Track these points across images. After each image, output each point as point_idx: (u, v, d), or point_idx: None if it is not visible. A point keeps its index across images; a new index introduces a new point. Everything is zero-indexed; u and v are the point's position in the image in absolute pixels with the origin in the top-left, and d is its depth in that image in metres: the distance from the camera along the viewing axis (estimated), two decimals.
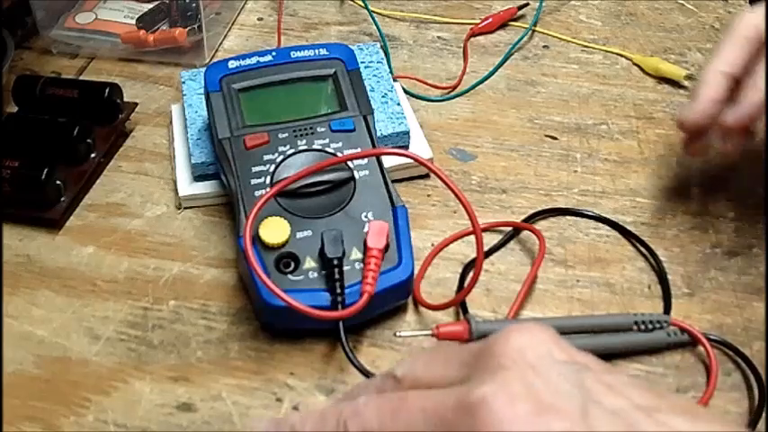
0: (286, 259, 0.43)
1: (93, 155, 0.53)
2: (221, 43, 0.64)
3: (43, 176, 0.49)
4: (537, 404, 0.28)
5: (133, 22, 0.64)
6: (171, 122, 0.55)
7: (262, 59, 0.50)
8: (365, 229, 0.43)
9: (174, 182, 0.51)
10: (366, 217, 0.44)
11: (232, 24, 0.66)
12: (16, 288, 0.46)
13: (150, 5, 0.65)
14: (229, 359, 0.42)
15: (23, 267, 0.47)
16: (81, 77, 0.61)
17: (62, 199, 0.50)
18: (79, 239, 0.49)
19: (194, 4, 0.63)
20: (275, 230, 0.43)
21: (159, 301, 0.45)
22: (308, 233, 0.43)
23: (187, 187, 0.50)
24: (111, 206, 0.51)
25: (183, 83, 0.55)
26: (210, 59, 0.63)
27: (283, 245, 0.43)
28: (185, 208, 0.50)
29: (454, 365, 0.32)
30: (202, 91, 0.52)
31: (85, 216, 0.50)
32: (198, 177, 0.50)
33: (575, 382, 0.29)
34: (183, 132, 0.53)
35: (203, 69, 0.51)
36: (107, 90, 0.55)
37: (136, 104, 0.57)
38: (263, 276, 0.40)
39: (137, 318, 0.44)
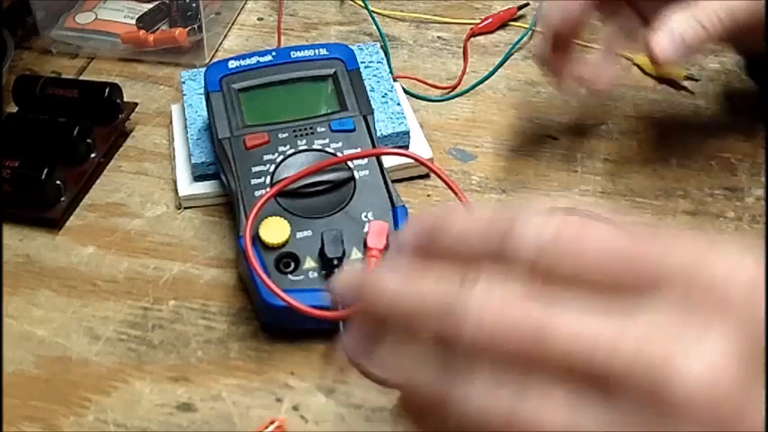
0: (286, 259, 0.43)
1: (93, 155, 0.53)
2: (221, 43, 0.64)
3: (43, 176, 0.49)
4: None
5: (133, 22, 0.64)
6: (171, 122, 0.55)
7: (262, 59, 0.50)
8: (365, 230, 0.43)
9: (174, 182, 0.51)
10: (366, 217, 0.44)
11: (232, 24, 0.66)
12: (16, 288, 0.46)
13: (150, 5, 0.65)
14: (229, 359, 0.42)
15: (23, 267, 0.47)
16: (81, 77, 0.61)
17: (62, 199, 0.50)
18: (79, 239, 0.49)
19: (194, 4, 0.63)
20: (275, 230, 0.43)
21: (159, 301, 0.45)
22: (307, 233, 0.43)
23: (187, 187, 0.50)
24: (111, 206, 0.51)
25: (183, 83, 0.55)
26: (210, 59, 0.63)
27: (283, 245, 0.43)
28: (185, 208, 0.50)
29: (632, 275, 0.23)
30: (202, 91, 0.52)
31: (85, 216, 0.50)
32: (198, 177, 0.50)
33: None
34: (183, 132, 0.53)
35: (203, 69, 0.51)
36: (107, 90, 0.55)
37: (136, 104, 0.57)
38: (264, 276, 0.40)
39: (137, 318, 0.44)
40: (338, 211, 0.44)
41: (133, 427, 0.40)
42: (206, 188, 0.50)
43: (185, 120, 0.53)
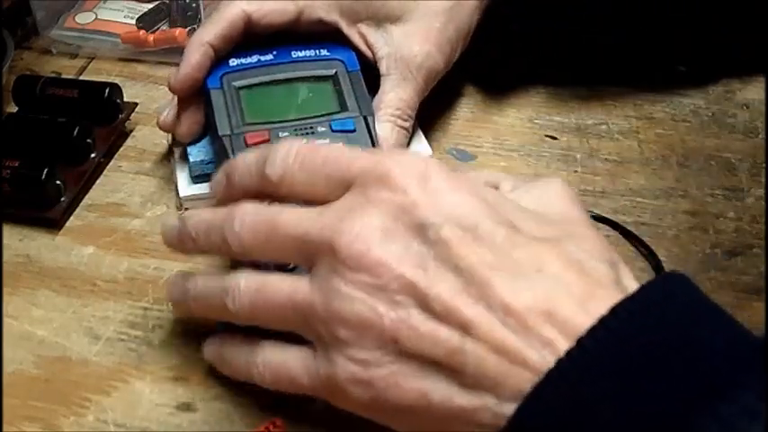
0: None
1: (93, 155, 0.53)
2: None
3: (43, 176, 0.49)
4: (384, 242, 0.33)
5: (133, 22, 0.64)
6: None
7: (263, 58, 0.50)
8: None
9: (175, 183, 0.51)
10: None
11: None
12: (16, 288, 0.46)
13: (150, 5, 0.65)
14: None
15: (23, 267, 0.47)
16: (81, 77, 0.61)
17: (62, 199, 0.50)
18: (79, 239, 0.49)
19: (194, 4, 0.63)
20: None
21: (159, 301, 0.45)
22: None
23: (188, 188, 0.50)
24: (111, 206, 0.51)
25: None
26: None
27: None
28: (186, 209, 0.50)
29: (334, 180, 0.35)
30: (201, 91, 0.52)
31: (85, 216, 0.50)
32: (197, 177, 0.50)
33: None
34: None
35: None
36: (107, 90, 0.55)
37: (136, 104, 0.57)
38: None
39: (137, 318, 0.44)
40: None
41: (133, 427, 0.40)
42: (207, 188, 0.50)
43: None
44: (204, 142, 0.51)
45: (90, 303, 0.45)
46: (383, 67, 0.51)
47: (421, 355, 0.32)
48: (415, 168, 0.34)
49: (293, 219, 0.35)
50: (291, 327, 0.36)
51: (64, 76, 0.61)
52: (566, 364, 0.29)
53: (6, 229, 0.49)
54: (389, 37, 0.51)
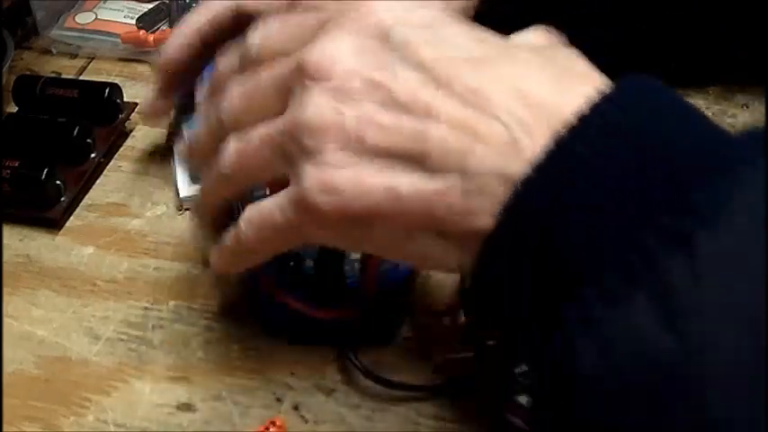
0: (286, 259, 0.43)
1: (93, 155, 0.53)
2: None
3: (43, 176, 0.49)
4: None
5: (133, 22, 0.64)
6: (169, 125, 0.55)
7: None
8: None
9: (175, 183, 0.51)
10: None
11: None
12: (16, 288, 0.46)
13: (150, 5, 0.65)
14: (230, 359, 0.42)
15: (23, 267, 0.47)
16: (81, 77, 0.61)
17: (62, 199, 0.50)
18: (79, 239, 0.49)
19: (194, 5, 0.63)
20: None
21: (159, 301, 0.45)
22: None
23: (188, 188, 0.50)
24: (111, 206, 0.51)
25: None
26: None
27: None
28: (186, 209, 0.50)
29: (309, 24, 0.36)
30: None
31: (85, 216, 0.51)
32: (197, 177, 0.50)
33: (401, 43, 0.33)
34: (181, 135, 0.53)
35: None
36: (107, 90, 0.55)
37: (136, 104, 0.57)
38: (264, 277, 0.40)
39: (137, 318, 0.44)
40: None
41: (133, 427, 0.40)
42: None
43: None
44: None
45: (90, 303, 0.45)
46: None
47: (386, 149, 0.32)
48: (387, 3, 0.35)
49: (271, 66, 0.36)
50: (273, 167, 0.35)
51: (64, 76, 0.61)
52: (558, 150, 0.29)
53: (6, 229, 0.49)
54: None
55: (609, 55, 0.47)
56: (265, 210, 0.35)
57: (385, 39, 0.33)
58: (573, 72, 0.32)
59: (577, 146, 0.29)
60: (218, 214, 0.39)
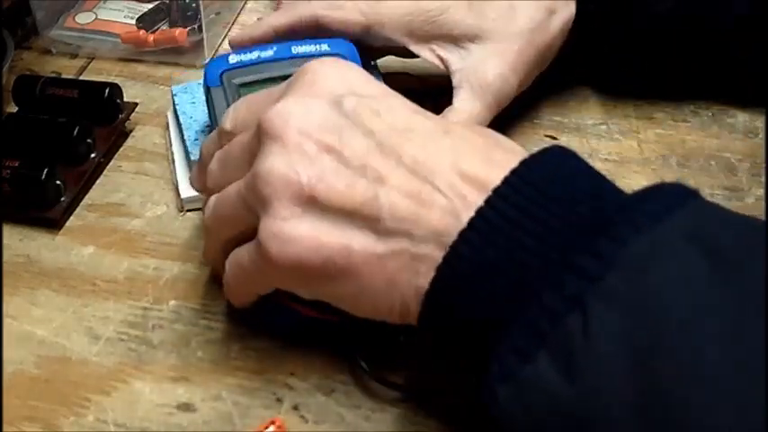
0: None
1: (93, 155, 0.53)
2: (221, 43, 0.64)
3: (43, 176, 0.49)
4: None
5: (133, 22, 0.64)
6: (168, 127, 0.55)
7: (263, 54, 0.50)
8: None
9: (176, 185, 0.51)
10: None
11: (232, 24, 0.66)
12: (16, 288, 0.46)
13: (150, 5, 0.65)
14: (230, 359, 0.42)
15: (23, 267, 0.47)
16: (81, 77, 0.61)
17: (62, 199, 0.50)
18: (79, 239, 0.49)
19: (194, 4, 0.63)
20: None
21: (159, 301, 0.45)
22: None
23: (188, 189, 0.50)
24: (111, 206, 0.51)
25: (175, 95, 0.55)
26: (210, 59, 0.63)
27: None
28: (187, 210, 0.50)
29: (272, 97, 0.40)
30: (194, 101, 0.53)
31: (85, 216, 0.51)
32: None
33: (340, 114, 0.37)
34: (180, 136, 0.53)
35: (194, 83, 0.53)
36: (107, 90, 0.55)
37: (136, 104, 0.57)
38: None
39: (137, 318, 0.44)
40: None
41: (133, 427, 0.40)
42: None
43: (180, 126, 0.53)
44: None
45: (90, 303, 0.45)
46: (456, 80, 0.51)
47: (339, 209, 0.35)
48: (337, 69, 0.40)
49: (243, 133, 0.40)
50: (244, 219, 0.38)
51: (64, 76, 0.61)
52: (487, 211, 0.33)
53: (6, 229, 0.49)
54: (466, 53, 0.51)
55: (608, 54, 0.48)
56: (238, 255, 0.39)
57: (336, 105, 0.37)
58: (500, 146, 0.36)
59: (492, 217, 0.33)
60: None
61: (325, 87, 0.38)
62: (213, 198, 0.41)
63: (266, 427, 0.39)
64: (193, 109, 0.53)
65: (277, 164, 0.36)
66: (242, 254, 0.39)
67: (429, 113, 0.38)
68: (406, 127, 0.36)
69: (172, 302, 0.45)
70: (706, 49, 0.53)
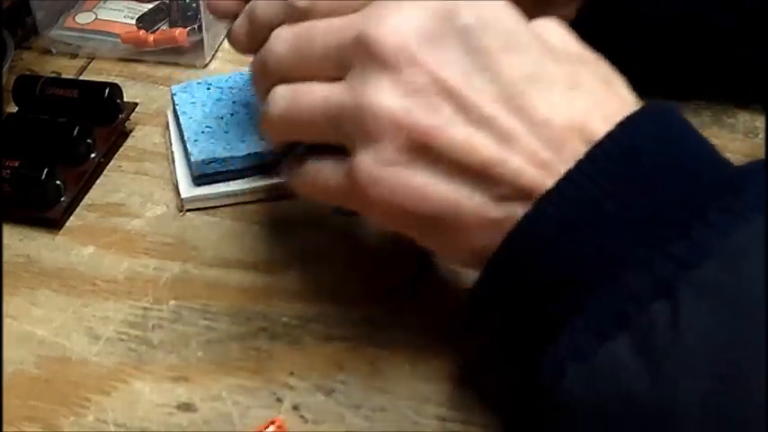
0: None
1: (93, 155, 0.53)
2: (221, 43, 0.64)
3: (43, 176, 0.49)
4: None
5: (133, 22, 0.64)
6: (168, 127, 0.55)
7: None
8: None
9: (175, 185, 0.51)
10: None
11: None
12: (16, 288, 0.46)
13: (150, 5, 0.65)
14: (229, 359, 0.42)
15: (23, 267, 0.47)
16: (81, 77, 0.61)
17: (62, 199, 0.50)
18: (79, 239, 0.49)
19: (194, 4, 0.63)
20: None
21: (159, 301, 0.45)
22: None
23: (189, 189, 0.50)
24: (111, 206, 0.51)
25: (175, 95, 0.54)
26: (210, 59, 0.63)
27: None
28: (187, 210, 0.50)
29: None
30: (194, 101, 0.53)
31: (85, 216, 0.51)
32: (198, 177, 0.50)
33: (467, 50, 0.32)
34: (180, 136, 0.53)
35: (193, 83, 0.53)
36: (107, 90, 0.55)
37: (136, 104, 0.57)
38: None
39: (137, 318, 0.44)
40: None
41: (133, 427, 0.40)
42: (208, 190, 0.50)
43: (180, 126, 0.53)
44: (205, 142, 0.51)
45: (90, 303, 0.45)
46: None
47: (456, 163, 0.31)
48: None
49: (328, 25, 0.34)
50: (324, 134, 0.35)
51: (64, 76, 0.61)
52: (579, 168, 0.30)
53: (6, 229, 0.49)
54: None
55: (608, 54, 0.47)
56: (321, 171, 0.36)
57: (461, 33, 0.32)
58: (619, 98, 0.34)
59: (586, 185, 0.30)
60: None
61: (449, 6, 0.32)
62: (285, 93, 0.35)
63: (266, 427, 0.39)
64: (193, 109, 0.53)
65: (389, 102, 0.31)
66: (326, 172, 0.35)
67: (559, 50, 0.34)
68: (535, 75, 0.32)
69: (172, 302, 0.45)
70: (706, 47, 0.53)
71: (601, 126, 0.31)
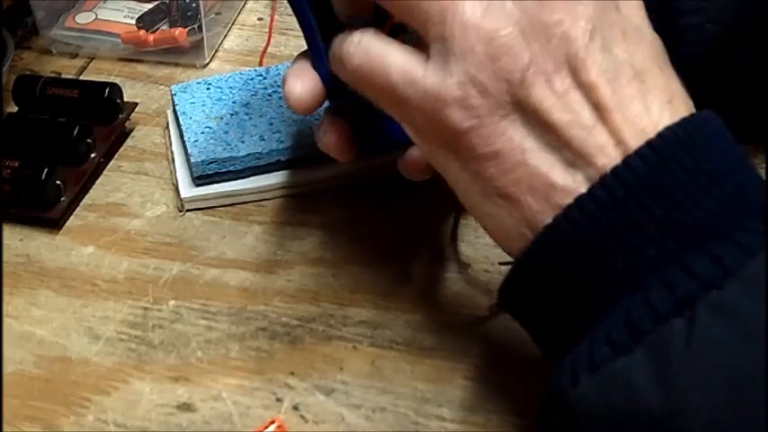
0: None
1: (93, 155, 0.53)
2: (221, 43, 0.64)
3: (43, 176, 0.49)
4: None
5: (133, 22, 0.64)
6: (167, 127, 0.55)
7: None
8: None
9: (176, 185, 0.51)
10: None
11: (232, 24, 0.66)
12: (16, 288, 0.46)
13: (150, 5, 0.65)
14: (229, 359, 0.42)
15: (23, 267, 0.47)
16: (81, 77, 0.61)
17: (62, 199, 0.50)
18: (79, 239, 0.49)
19: (194, 4, 0.63)
20: None
21: (159, 301, 0.45)
22: None
23: (189, 189, 0.50)
24: (111, 206, 0.51)
25: (175, 95, 0.55)
26: (210, 59, 0.63)
27: None
28: (187, 210, 0.50)
29: None
30: (194, 101, 0.53)
31: (85, 216, 0.51)
32: (198, 178, 0.50)
33: None
34: (180, 136, 0.53)
35: (193, 83, 0.53)
36: (107, 90, 0.55)
37: (136, 104, 0.57)
38: None
39: (137, 318, 0.44)
40: None
41: (133, 427, 0.40)
42: (208, 190, 0.50)
43: (180, 126, 0.53)
44: (205, 142, 0.51)
45: (90, 303, 0.45)
46: None
47: (545, 116, 0.31)
48: None
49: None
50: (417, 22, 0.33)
51: (64, 76, 0.61)
52: (611, 181, 0.30)
53: (6, 229, 0.49)
54: None
55: None
56: (386, 56, 0.34)
57: (608, 10, 0.32)
58: (678, 96, 0.33)
59: (618, 191, 0.30)
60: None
61: None
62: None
63: (266, 427, 0.39)
64: (193, 109, 0.53)
65: (507, 26, 0.31)
66: (395, 55, 0.34)
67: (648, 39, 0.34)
68: (637, 65, 0.32)
69: (172, 302, 0.45)
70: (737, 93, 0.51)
71: (667, 120, 0.31)
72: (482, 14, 0.32)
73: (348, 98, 0.39)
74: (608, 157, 0.31)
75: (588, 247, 0.30)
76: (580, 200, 0.31)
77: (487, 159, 0.32)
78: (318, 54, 0.41)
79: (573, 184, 0.31)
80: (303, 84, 0.41)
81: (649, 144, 0.30)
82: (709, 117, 0.32)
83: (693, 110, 0.33)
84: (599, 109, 0.31)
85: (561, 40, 0.31)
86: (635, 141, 0.31)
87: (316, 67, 0.42)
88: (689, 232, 0.30)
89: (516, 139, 0.32)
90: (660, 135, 0.30)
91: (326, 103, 0.43)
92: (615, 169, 0.30)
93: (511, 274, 0.33)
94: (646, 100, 0.32)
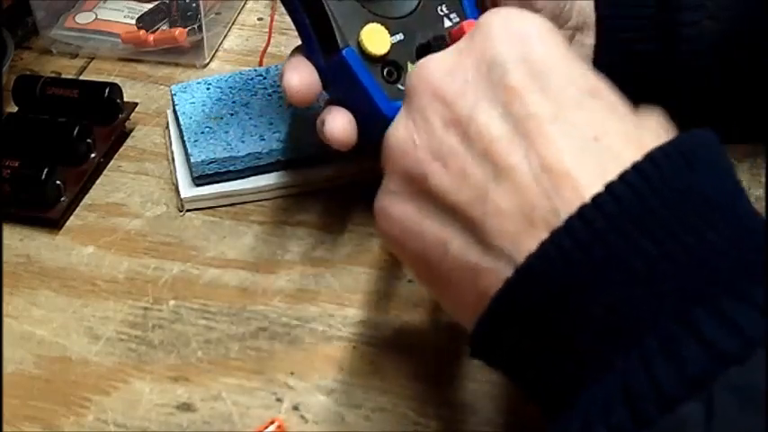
0: (389, 68, 0.41)
1: (93, 155, 0.53)
2: (221, 43, 0.64)
3: (43, 176, 0.49)
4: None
5: (133, 22, 0.64)
6: (168, 127, 0.55)
7: None
8: (446, 24, 0.42)
9: (175, 185, 0.51)
10: (441, 10, 0.43)
11: (232, 24, 0.66)
12: (16, 288, 0.46)
13: (150, 5, 0.65)
14: (229, 359, 0.42)
15: (23, 267, 0.47)
16: (81, 77, 0.61)
17: (62, 199, 0.50)
18: (79, 239, 0.49)
19: (194, 4, 0.63)
20: (378, 39, 0.41)
21: (159, 301, 0.45)
22: (399, 37, 0.42)
23: (189, 189, 0.50)
24: (111, 206, 0.51)
25: (175, 95, 0.55)
26: (210, 59, 0.63)
27: (387, 54, 0.41)
28: (187, 210, 0.50)
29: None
30: (194, 101, 0.53)
31: (85, 216, 0.51)
32: (198, 178, 0.50)
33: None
34: (180, 136, 0.53)
35: (193, 83, 0.53)
36: (107, 90, 0.55)
37: (136, 104, 0.57)
38: (380, 88, 0.40)
39: (137, 318, 0.44)
40: (416, 8, 0.42)
41: (133, 427, 0.40)
42: (208, 189, 0.50)
43: (180, 126, 0.53)
44: (205, 142, 0.51)
45: (90, 303, 0.45)
46: None
47: (445, 199, 0.30)
48: (511, 24, 0.31)
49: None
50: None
51: (64, 76, 0.61)
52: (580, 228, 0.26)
53: (6, 229, 0.49)
54: None
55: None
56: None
57: (488, 66, 0.31)
58: (644, 140, 0.29)
59: (583, 235, 0.26)
60: None
61: (487, 47, 0.31)
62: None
63: (266, 427, 0.39)
64: (193, 109, 0.53)
65: (401, 130, 0.32)
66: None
67: (605, 93, 0.30)
68: (556, 114, 0.29)
69: (172, 302, 0.45)
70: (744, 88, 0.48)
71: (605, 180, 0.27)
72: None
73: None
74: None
75: (566, 288, 0.26)
76: (555, 235, 0.26)
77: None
78: (311, 45, 0.42)
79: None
80: (300, 75, 0.43)
81: (635, 167, 0.26)
82: (706, 135, 0.29)
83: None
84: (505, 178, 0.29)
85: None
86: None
87: (309, 58, 0.43)
88: (687, 275, 0.25)
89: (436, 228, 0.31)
90: (649, 156, 0.26)
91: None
92: (596, 198, 0.26)
93: (481, 319, 0.29)
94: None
